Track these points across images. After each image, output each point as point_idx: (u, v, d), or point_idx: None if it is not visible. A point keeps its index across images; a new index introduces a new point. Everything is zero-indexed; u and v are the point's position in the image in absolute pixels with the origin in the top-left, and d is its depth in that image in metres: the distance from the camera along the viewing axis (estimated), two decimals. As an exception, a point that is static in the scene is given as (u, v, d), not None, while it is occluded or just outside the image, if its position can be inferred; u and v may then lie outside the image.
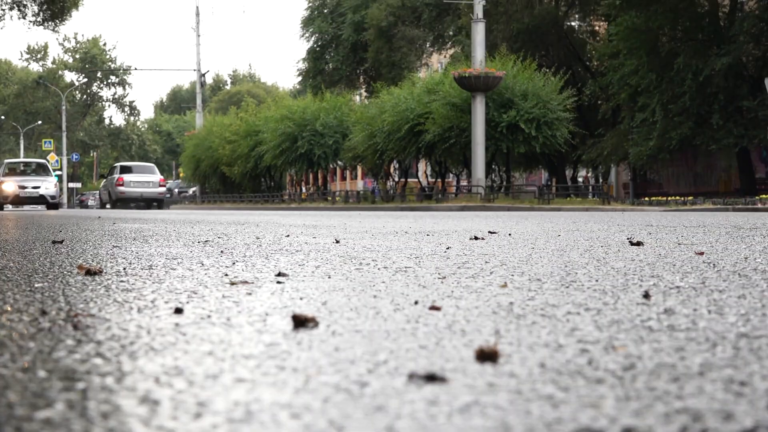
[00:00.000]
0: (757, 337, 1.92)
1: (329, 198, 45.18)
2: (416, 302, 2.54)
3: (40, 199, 34.97)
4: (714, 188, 37.27)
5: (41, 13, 36.09)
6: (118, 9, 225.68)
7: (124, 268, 3.83)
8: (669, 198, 33.53)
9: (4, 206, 35.64)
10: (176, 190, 63.94)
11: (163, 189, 42.94)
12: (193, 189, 62.73)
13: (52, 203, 35.06)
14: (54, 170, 43.53)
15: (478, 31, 32.80)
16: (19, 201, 35.23)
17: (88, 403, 1.34)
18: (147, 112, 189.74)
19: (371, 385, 1.46)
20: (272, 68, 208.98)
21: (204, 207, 49.25)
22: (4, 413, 1.28)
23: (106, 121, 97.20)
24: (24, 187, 34.72)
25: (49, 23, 36.59)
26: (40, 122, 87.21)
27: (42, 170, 36.67)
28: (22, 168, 37.47)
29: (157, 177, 42.79)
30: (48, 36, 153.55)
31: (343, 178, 64.53)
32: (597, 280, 3.17)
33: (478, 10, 32.88)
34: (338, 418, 1.25)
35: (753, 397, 1.37)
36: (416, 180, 44.53)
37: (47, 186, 35.11)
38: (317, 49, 58.58)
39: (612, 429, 1.20)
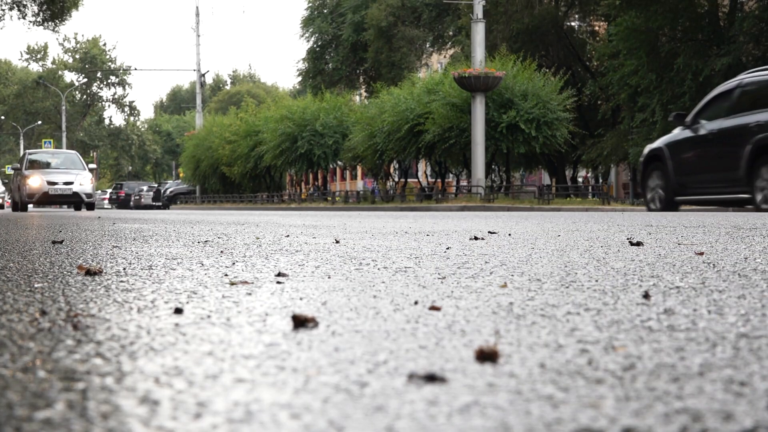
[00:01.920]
0: (757, 337, 1.92)
1: (329, 198, 45.16)
2: (416, 302, 2.53)
3: (74, 197, 28.65)
4: (714, 188, 37.17)
5: (41, 13, 36.08)
6: (118, 9, 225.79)
7: (124, 268, 3.83)
8: (669, 198, 33.44)
9: (28, 206, 29.93)
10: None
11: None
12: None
13: (88, 202, 28.79)
14: None
15: (478, 31, 32.79)
16: (47, 200, 28.84)
17: (88, 403, 1.34)
18: (147, 112, 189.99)
19: (371, 385, 1.45)
20: (272, 68, 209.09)
21: (204, 207, 49.26)
22: (4, 413, 1.28)
23: (106, 122, 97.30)
24: (54, 183, 28.52)
25: (49, 23, 36.57)
26: (39, 122, 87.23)
27: (72, 163, 30.19)
28: (48, 160, 30.72)
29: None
30: (48, 36, 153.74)
31: (343, 178, 64.51)
32: (597, 281, 3.17)
33: (478, 11, 32.87)
34: (338, 418, 1.25)
35: (753, 397, 1.37)
36: (416, 180, 44.49)
37: (82, 181, 28.79)
38: (317, 49, 58.62)
39: (612, 429, 1.20)
